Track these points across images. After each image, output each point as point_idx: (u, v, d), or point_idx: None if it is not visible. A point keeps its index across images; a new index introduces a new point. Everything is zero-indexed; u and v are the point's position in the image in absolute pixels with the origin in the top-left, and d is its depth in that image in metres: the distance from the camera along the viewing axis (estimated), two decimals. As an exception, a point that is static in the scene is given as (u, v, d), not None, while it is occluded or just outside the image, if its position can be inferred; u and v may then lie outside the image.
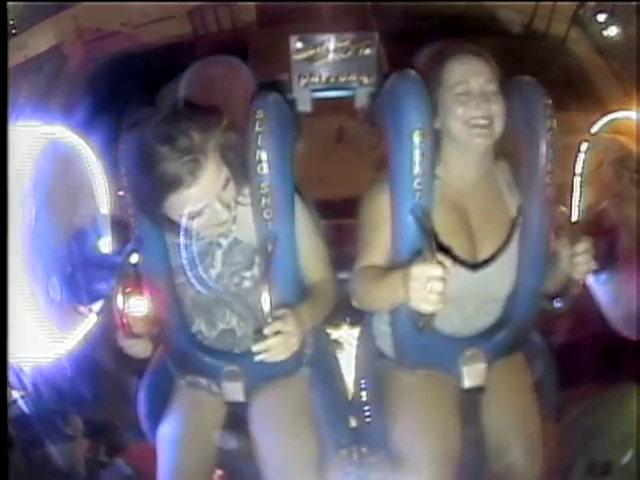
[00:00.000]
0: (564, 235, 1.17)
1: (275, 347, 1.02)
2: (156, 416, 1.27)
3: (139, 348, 1.14)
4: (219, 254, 1.17)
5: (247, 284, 1.17)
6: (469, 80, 1.11)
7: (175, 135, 0.98)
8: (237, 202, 1.13)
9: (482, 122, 1.11)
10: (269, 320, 1.02)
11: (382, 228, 1.14)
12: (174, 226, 1.08)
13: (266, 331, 1.02)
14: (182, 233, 1.09)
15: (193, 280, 1.15)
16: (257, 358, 1.03)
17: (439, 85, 1.14)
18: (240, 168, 1.10)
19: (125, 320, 1.08)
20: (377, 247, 1.15)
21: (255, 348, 1.03)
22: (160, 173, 0.98)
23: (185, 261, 1.15)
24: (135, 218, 1.16)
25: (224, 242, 1.17)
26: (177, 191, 0.99)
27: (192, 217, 1.04)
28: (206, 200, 1.03)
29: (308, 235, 1.20)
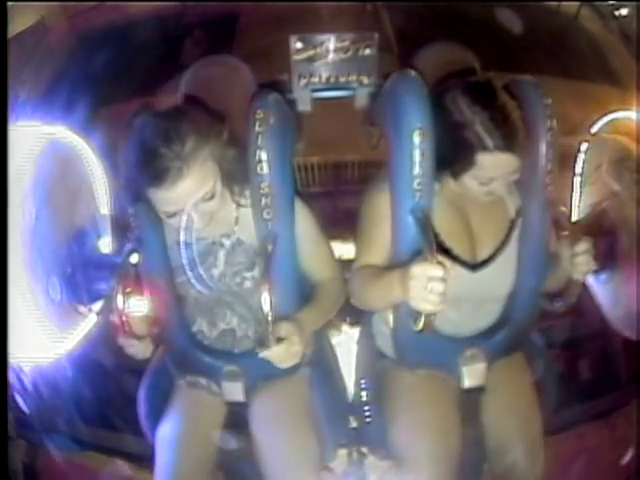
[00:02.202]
0: (564, 235, 1.17)
1: (278, 359, 1.07)
2: (156, 416, 1.26)
3: (139, 348, 1.14)
4: (222, 254, 1.17)
5: (248, 284, 1.17)
6: (496, 176, 1.08)
7: (171, 136, 0.98)
8: (239, 205, 1.14)
9: (489, 199, 1.13)
10: (269, 319, 1.02)
11: (381, 228, 1.14)
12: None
13: (269, 352, 1.05)
14: (182, 232, 1.10)
15: (193, 280, 1.16)
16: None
17: (464, 169, 1.08)
18: (238, 177, 1.11)
19: (125, 320, 1.08)
20: (376, 247, 1.16)
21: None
22: (145, 164, 0.99)
23: (185, 261, 1.15)
24: (135, 218, 1.16)
25: (227, 242, 1.17)
26: (154, 189, 1.00)
27: (167, 216, 1.05)
28: (181, 206, 1.03)
29: (310, 235, 1.20)
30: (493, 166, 1.05)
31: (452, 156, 1.07)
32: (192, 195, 1.02)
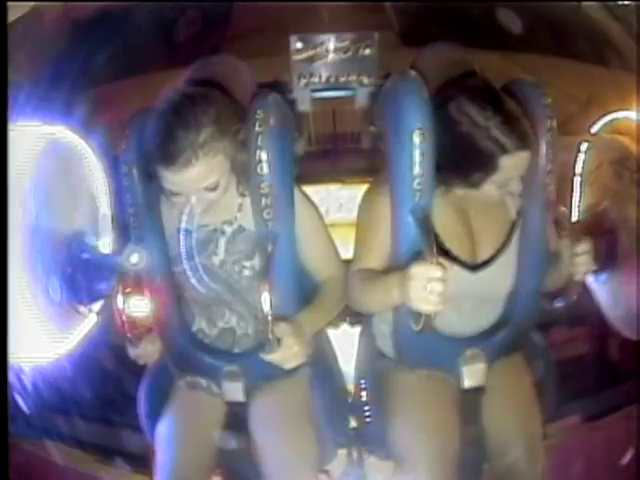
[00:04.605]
0: (565, 235, 1.17)
1: (280, 361, 1.08)
2: (156, 416, 1.26)
3: (149, 356, 1.19)
4: (222, 241, 1.17)
5: (247, 273, 1.17)
6: (514, 176, 1.08)
7: (190, 122, 0.99)
8: (244, 195, 1.15)
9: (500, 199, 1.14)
10: (269, 319, 1.02)
11: (380, 230, 1.14)
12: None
13: (270, 355, 1.06)
14: (184, 217, 1.11)
15: (189, 272, 1.16)
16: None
17: (485, 176, 1.06)
18: (246, 173, 1.11)
19: (125, 320, 1.08)
20: (374, 250, 1.15)
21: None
22: (160, 141, 1.00)
23: (183, 249, 1.15)
24: (135, 218, 1.16)
25: (228, 229, 1.17)
26: (162, 166, 1.01)
27: (170, 193, 1.06)
28: (182, 190, 1.04)
29: (312, 233, 1.20)
30: (514, 166, 1.05)
31: (469, 166, 1.07)
32: (197, 183, 1.03)
